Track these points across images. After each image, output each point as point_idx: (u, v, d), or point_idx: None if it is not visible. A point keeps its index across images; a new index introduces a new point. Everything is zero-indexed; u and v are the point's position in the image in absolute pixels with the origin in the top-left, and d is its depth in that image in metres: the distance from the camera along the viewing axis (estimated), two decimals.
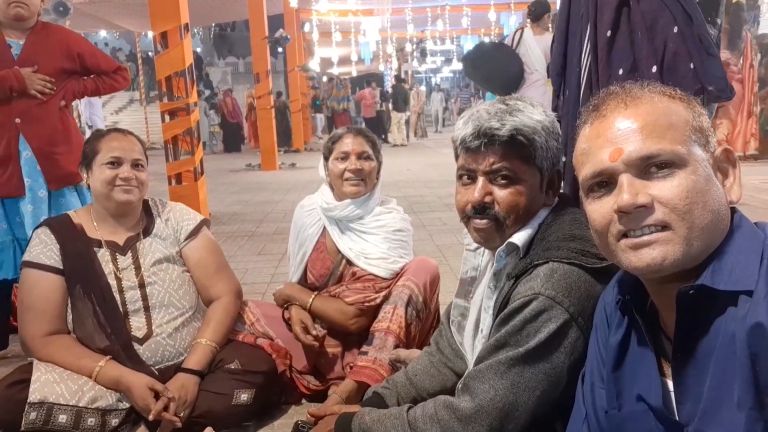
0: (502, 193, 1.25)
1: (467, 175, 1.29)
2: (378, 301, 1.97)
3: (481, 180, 1.26)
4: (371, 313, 1.99)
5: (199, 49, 23.65)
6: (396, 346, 1.89)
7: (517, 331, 1.16)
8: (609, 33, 1.58)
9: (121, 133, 1.97)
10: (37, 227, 1.97)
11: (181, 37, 5.36)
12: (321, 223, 2.12)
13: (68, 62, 2.58)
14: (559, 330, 1.14)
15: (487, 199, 1.25)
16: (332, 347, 2.08)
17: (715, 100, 1.62)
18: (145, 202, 2.04)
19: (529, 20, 5.52)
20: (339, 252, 2.08)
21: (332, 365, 2.07)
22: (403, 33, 17.30)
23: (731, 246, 0.88)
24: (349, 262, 2.06)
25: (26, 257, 1.90)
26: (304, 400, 2.03)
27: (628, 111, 0.92)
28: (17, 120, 2.45)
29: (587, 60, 1.63)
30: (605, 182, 0.92)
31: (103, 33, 19.48)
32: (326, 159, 2.10)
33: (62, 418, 1.69)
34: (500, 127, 1.22)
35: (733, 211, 0.92)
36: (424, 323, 1.99)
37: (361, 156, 2.03)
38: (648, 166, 0.88)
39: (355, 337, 2.04)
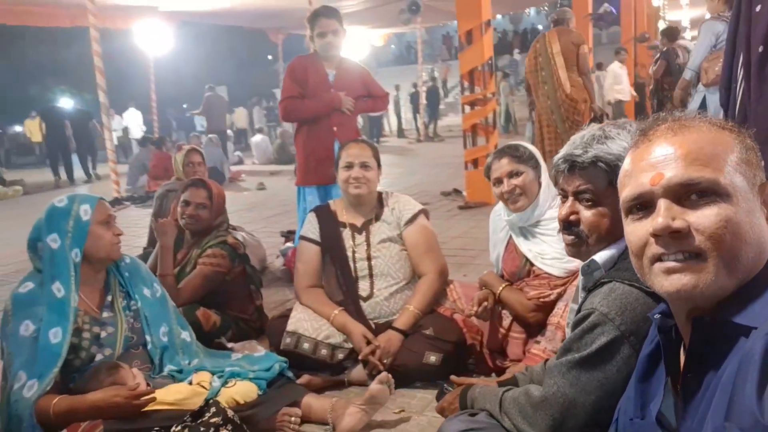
0: (586, 214, 1.36)
1: (562, 194, 1.43)
2: (552, 297, 2.13)
3: (570, 199, 1.39)
4: (549, 307, 2.16)
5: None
6: (563, 340, 2.03)
7: (578, 339, 1.29)
8: (761, 49, 1.41)
9: (355, 142, 2.56)
10: (310, 211, 2.70)
11: (482, 32, 5.85)
12: (508, 227, 2.36)
13: (361, 89, 3.58)
14: (610, 344, 1.23)
15: (573, 217, 1.38)
16: (517, 333, 2.32)
17: None
18: (380, 194, 2.59)
19: None
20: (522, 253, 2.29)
21: (515, 349, 2.31)
22: None
23: (761, 281, 0.87)
24: (531, 262, 2.26)
25: (300, 233, 2.65)
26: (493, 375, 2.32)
27: (675, 138, 0.92)
28: (334, 128, 3.43)
29: (741, 75, 1.48)
30: (644, 205, 0.92)
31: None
32: None
33: (305, 346, 2.37)
34: (581, 154, 1.34)
35: None
36: None
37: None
38: (688, 193, 0.88)
39: (537, 327, 2.24)
